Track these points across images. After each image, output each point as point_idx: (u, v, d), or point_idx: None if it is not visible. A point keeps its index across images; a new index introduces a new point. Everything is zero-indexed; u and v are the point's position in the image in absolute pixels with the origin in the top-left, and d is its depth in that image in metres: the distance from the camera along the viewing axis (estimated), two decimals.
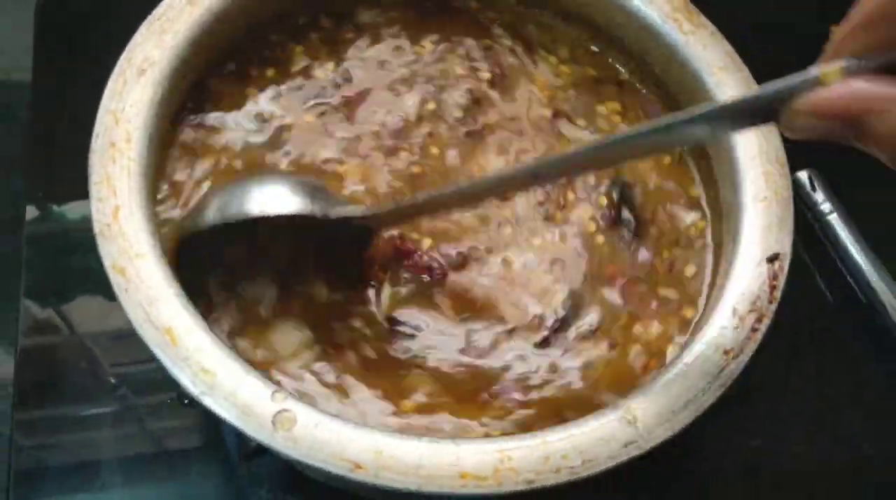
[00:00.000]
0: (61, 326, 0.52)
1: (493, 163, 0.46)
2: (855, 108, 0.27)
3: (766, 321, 0.39)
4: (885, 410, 0.53)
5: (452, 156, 0.46)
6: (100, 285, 0.51)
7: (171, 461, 0.49)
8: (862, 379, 0.54)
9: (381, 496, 0.46)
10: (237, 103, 0.45)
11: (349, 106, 0.46)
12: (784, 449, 0.51)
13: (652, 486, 0.48)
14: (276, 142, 0.44)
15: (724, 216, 0.44)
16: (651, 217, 0.45)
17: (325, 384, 0.39)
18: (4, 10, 0.61)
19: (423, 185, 0.44)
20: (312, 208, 0.38)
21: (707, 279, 0.44)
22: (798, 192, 0.56)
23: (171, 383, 0.48)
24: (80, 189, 0.52)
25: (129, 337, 0.50)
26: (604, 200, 0.45)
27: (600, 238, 0.44)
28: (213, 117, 0.44)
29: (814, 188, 0.56)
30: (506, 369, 0.41)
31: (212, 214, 0.38)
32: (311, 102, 0.46)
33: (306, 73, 0.47)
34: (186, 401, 0.49)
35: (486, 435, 0.38)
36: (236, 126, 0.44)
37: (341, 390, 0.39)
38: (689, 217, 0.46)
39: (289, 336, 0.40)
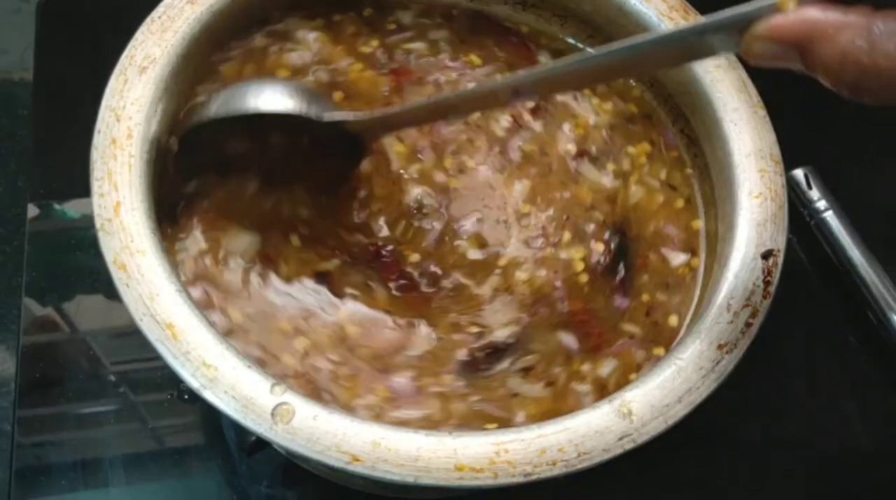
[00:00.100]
0: (62, 324, 0.52)
1: (516, 191, 0.45)
2: (805, 33, 0.29)
3: (760, 317, 0.39)
4: (882, 405, 0.54)
5: (484, 171, 0.46)
6: (100, 283, 0.52)
7: (172, 458, 0.49)
8: (857, 375, 0.55)
9: (380, 488, 0.46)
10: None
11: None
12: (780, 444, 0.52)
13: (646, 479, 0.49)
14: None
15: (718, 221, 0.44)
16: (643, 262, 0.44)
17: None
18: (6, 10, 0.61)
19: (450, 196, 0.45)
20: (308, 110, 0.40)
21: (686, 322, 0.43)
22: (794, 189, 0.57)
23: (171, 381, 0.50)
24: (81, 187, 0.53)
25: (129, 335, 0.51)
26: (600, 247, 0.45)
27: (584, 277, 0.44)
28: None
29: (810, 186, 0.57)
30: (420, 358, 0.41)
31: (214, 108, 0.40)
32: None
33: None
34: (186, 396, 0.49)
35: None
36: None
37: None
38: (681, 258, 0.45)
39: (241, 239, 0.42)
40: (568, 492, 0.47)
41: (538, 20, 0.50)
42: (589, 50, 0.49)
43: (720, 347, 0.38)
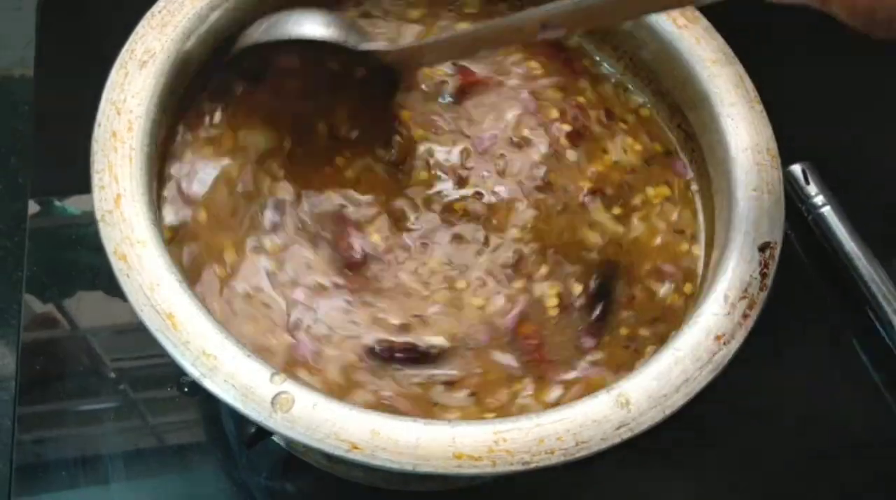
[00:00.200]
0: (62, 320, 0.52)
1: (522, 216, 0.45)
2: None
3: (758, 308, 0.39)
4: (878, 398, 0.54)
5: (503, 191, 0.45)
6: (100, 279, 0.52)
7: (172, 453, 0.49)
8: (854, 369, 0.55)
9: (380, 480, 0.47)
10: None
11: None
12: (777, 438, 0.52)
13: (643, 470, 0.49)
14: None
15: (716, 215, 0.45)
16: (628, 301, 0.43)
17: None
18: (7, 6, 0.61)
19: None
20: (345, 39, 0.42)
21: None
22: (792, 185, 0.57)
23: (171, 377, 0.50)
24: (81, 184, 0.53)
25: (129, 332, 0.51)
26: (578, 288, 0.43)
27: (554, 312, 0.43)
28: None
29: (807, 181, 0.57)
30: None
31: (258, 34, 0.42)
32: None
33: None
34: (186, 389, 0.49)
35: None
36: None
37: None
38: (668, 287, 0.44)
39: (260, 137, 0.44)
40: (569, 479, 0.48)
41: None
42: None
43: (717, 338, 0.38)
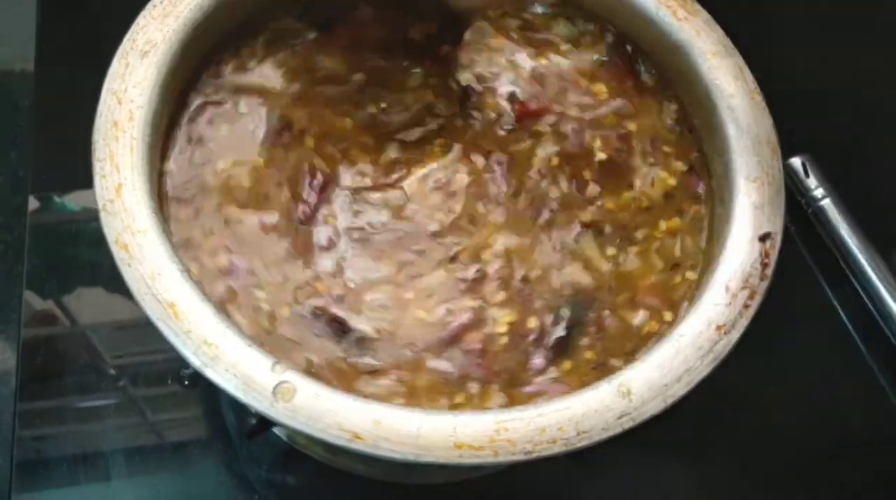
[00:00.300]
0: (61, 317, 0.52)
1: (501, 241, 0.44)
2: None
3: (758, 298, 0.39)
4: (877, 392, 0.54)
5: (499, 214, 0.45)
6: (100, 276, 0.52)
7: (173, 448, 0.49)
8: (853, 361, 0.55)
9: (380, 472, 0.47)
10: None
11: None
12: (775, 432, 0.52)
13: (643, 469, 0.49)
14: None
15: (716, 205, 0.44)
16: (596, 330, 0.42)
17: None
18: (7, 1, 0.61)
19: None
20: None
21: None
22: (791, 177, 0.57)
23: (171, 373, 0.50)
24: (81, 179, 0.53)
25: (129, 328, 0.51)
26: (532, 322, 0.42)
27: (504, 340, 0.41)
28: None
29: (807, 174, 0.57)
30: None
31: None
32: None
33: None
34: (186, 382, 0.49)
35: None
36: None
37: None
38: (641, 317, 0.42)
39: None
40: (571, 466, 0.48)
41: None
42: None
43: (719, 327, 0.38)
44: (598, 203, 0.45)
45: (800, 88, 0.57)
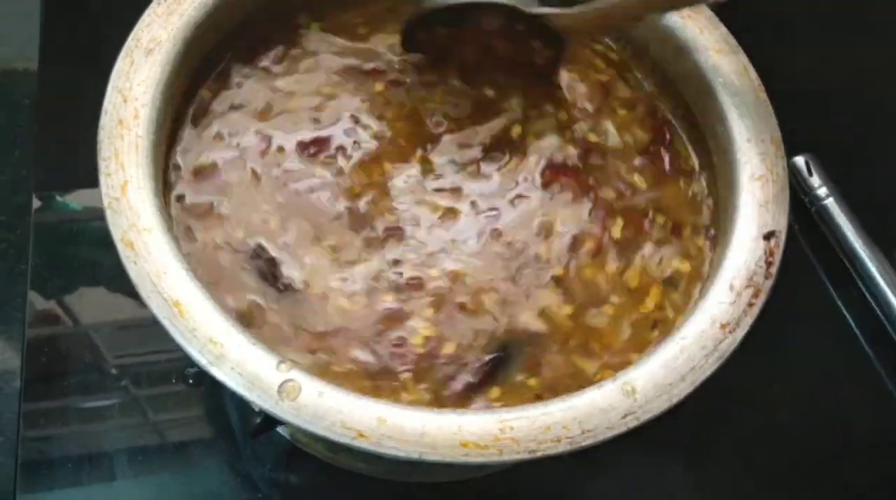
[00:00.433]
0: (63, 317, 0.52)
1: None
2: None
3: (763, 297, 0.39)
4: (881, 391, 0.54)
5: (472, 245, 0.43)
6: (102, 275, 0.52)
7: (176, 448, 0.49)
8: (857, 360, 0.55)
9: (382, 471, 0.47)
10: None
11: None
12: (778, 431, 0.52)
13: (645, 470, 0.49)
14: None
15: (720, 204, 0.44)
16: (530, 368, 0.40)
17: None
18: (10, 0, 0.62)
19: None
20: (518, 2, 0.44)
21: None
22: (795, 176, 0.57)
23: (173, 373, 0.50)
24: (83, 179, 0.53)
25: (131, 328, 0.51)
26: (449, 347, 0.40)
27: (420, 350, 0.40)
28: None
29: (810, 173, 0.57)
30: None
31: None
32: None
33: None
34: (191, 380, 0.49)
35: None
36: None
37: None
38: (594, 365, 0.41)
39: None
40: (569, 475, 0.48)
41: None
42: None
43: (723, 326, 0.38)
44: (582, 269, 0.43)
45: (802, 88, 0.57)
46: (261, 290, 0.40)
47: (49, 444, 0.48)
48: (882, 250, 0.55)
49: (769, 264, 0.40)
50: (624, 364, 0.39)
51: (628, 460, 0.48)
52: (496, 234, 0.43)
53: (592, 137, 0.46)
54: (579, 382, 0.40)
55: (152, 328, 0.35)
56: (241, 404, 0.48)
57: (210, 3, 0.43)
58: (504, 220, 0.43)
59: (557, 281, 0.42)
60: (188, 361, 0.35)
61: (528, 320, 0.41)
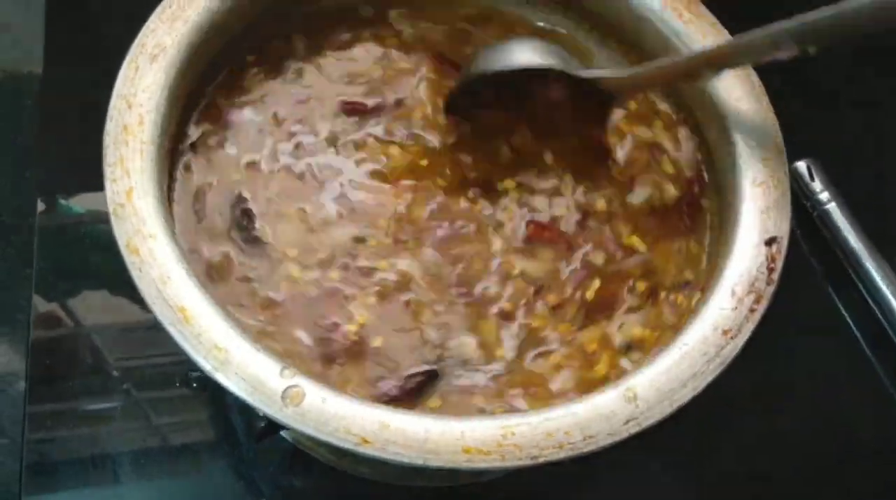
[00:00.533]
0: (66, 319, 0.52)
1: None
2: None
3: (765, 303, 0.39)
4: (883, 396, 0.54)
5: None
6: (105, 279, 0.52)
7: (179, 450, 0.49)
8: (859, 366, 0.55)
9: (385, 475, 0.47)
10: None
11: None
12: (780, 437, 0.52)
13: (646, 474, 0.49)
14: None
15: (722, 209, 0.45)
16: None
17: None
18: (15, 2, 0.61)
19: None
20: (566, 66, 0.44)
21: None
22: (797, 181, 0.57)
23: (175, 376, 0.50)
24: (86, 182, 0.53)
25: (134, 331, 0.52)
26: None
27: (353, 337, 0.40)
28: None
29: (812, 178, 0.57)
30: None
31: (480, 66, 0.44)
32: None
33: None
34: (195, 385, 0.50)
35: None
36: None
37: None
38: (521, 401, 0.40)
39: None
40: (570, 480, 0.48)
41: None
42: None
43: (725, 332, 0.38)
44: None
45: (804, 91, 0.57)
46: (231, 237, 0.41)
47: (53, 446, 0.48)
48: (884, 255, 0.55)
49: (771, 270, 0.40)
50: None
51: (630, 465, 0.48)
52: (453, 258, 0.43)
53: (601, 205, 0.46)
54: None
55: (155, 332, 0.35)
56: (245, 408, 0.47)
57: (215, 8, 0.43)
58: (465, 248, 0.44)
59: (503, 316, 0.42)
60: (191, 364, 0.35)
61: (464, 344, 0.41)
